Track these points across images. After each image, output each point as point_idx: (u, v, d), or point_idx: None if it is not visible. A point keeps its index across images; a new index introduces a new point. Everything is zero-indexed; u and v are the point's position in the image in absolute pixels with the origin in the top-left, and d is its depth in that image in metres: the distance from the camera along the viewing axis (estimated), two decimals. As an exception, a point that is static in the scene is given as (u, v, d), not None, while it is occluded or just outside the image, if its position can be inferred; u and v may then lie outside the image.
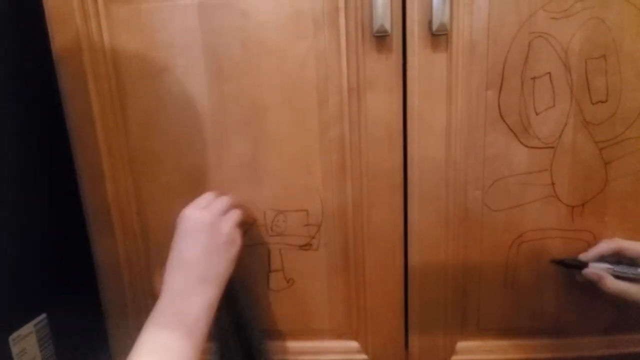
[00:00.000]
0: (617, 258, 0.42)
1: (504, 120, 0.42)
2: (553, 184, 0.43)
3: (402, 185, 0.44)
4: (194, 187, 0.45)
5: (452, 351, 0.49)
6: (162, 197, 0.46)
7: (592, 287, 0.42)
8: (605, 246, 0.42)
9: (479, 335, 0.49)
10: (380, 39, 0.40)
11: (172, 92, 0.43)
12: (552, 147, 0.43)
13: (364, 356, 0.49)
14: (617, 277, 0.40)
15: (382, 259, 0.46)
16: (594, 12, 0.40)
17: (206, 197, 0.42)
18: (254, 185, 0.45)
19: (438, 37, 0.40)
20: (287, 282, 0.47)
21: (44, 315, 0.47)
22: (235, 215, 0.42)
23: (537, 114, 0.42)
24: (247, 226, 0.45)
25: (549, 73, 0.41)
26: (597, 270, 0.41)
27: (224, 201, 0.42)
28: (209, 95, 0.43)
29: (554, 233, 0.44)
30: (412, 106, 0.42)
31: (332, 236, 0.46)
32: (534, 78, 0.41)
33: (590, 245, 0.45)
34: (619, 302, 0.41)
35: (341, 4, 0.40)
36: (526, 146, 0.43)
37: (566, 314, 0.48)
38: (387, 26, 0.38)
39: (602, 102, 0.41)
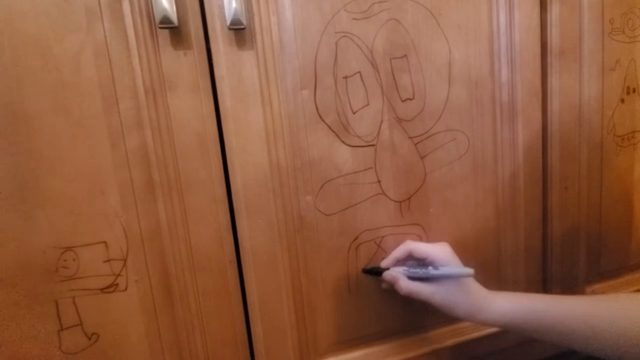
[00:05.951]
0: (414, 260, 0.42)
1: (324, 120, 0.41)
2: (379, 181, 0.44)
3: (226, 197, 0.39)
4: None
5: (308, 374, 0.44)
6: None
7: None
8: (399, 250, 0.42)
9: (334, 350, 0.46)
10: (174, 32, 0.35)
11: None
12: (373, 145, 0.43)
13: (207, 407, 0.41)
14: (412, 278, 0.40)
15: (214, 285, 0.39)
16: (391, 13, 0.41)
17: None
18: (24, 219, 0.34)
19: (241, 33, 0.37)
20: (89, 338, 0.36)
21: None
22: None
23: (354, 113, 0.42)
24: None
25: (359, 72, 0.41)
26: (393, 272, 0.41)
27: None
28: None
29: (387, 230, 0.44)
30: (224, 108, 0.38)
31: (145, 269, 0.37)
32: (345, 77, 0.41)
33: (421, 238, 0.46)
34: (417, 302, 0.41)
35: (124, -9, 0.34)
36: (349, 145, 0.42)
37: (411, 310, 0.48)
38: (173, 18, 0.33)
39: (410, 99, 0.43)
